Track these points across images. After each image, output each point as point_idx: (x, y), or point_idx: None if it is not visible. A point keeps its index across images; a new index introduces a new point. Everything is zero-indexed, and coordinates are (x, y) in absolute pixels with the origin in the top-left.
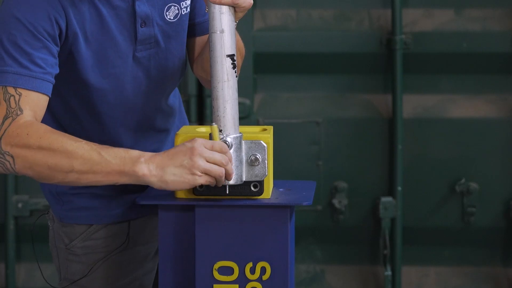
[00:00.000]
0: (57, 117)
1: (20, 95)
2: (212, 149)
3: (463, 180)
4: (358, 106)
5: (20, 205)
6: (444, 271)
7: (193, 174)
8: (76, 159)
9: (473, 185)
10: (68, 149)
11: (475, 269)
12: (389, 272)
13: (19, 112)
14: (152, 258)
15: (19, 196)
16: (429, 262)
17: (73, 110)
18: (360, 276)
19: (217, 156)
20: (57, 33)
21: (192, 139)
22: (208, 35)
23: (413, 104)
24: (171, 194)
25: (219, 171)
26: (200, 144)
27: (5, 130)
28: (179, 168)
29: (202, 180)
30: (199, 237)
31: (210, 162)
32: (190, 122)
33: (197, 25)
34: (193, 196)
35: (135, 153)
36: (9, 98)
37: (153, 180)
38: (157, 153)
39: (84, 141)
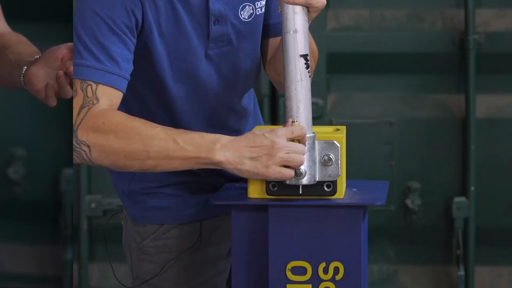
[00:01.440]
0: (131, 112)
1: (97, 85)
2: (292, 135)
3: None
4: (431, 106)
5: (93, 205)
6: None
7: (268, 167)
8: (152, 147)
9: None
10: (144, 137)
11: None
12: (462, 272)
13: (95, 101)
14: (224, 258)
15: (92, 196)
16: (502, 263)
17: (147, 105)
18: (433, 276)
19: (298, 147)
20: (134, 24)
21: (271, 131)
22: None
23: (486, 104)
24: (244, 194)
25: (298, 159)
26: (281, 137)
27: (81, 120)
28: (255, 161)
29: (275, 175)
30: (272, 237)
31: (290, 152)
32: (263, 122)
33: (271, 26)
34: (266, 196)
35: (210, 137)
36: (86, 87)
37: (228, 167)
38: (233, 138)
39: (159, 127)
